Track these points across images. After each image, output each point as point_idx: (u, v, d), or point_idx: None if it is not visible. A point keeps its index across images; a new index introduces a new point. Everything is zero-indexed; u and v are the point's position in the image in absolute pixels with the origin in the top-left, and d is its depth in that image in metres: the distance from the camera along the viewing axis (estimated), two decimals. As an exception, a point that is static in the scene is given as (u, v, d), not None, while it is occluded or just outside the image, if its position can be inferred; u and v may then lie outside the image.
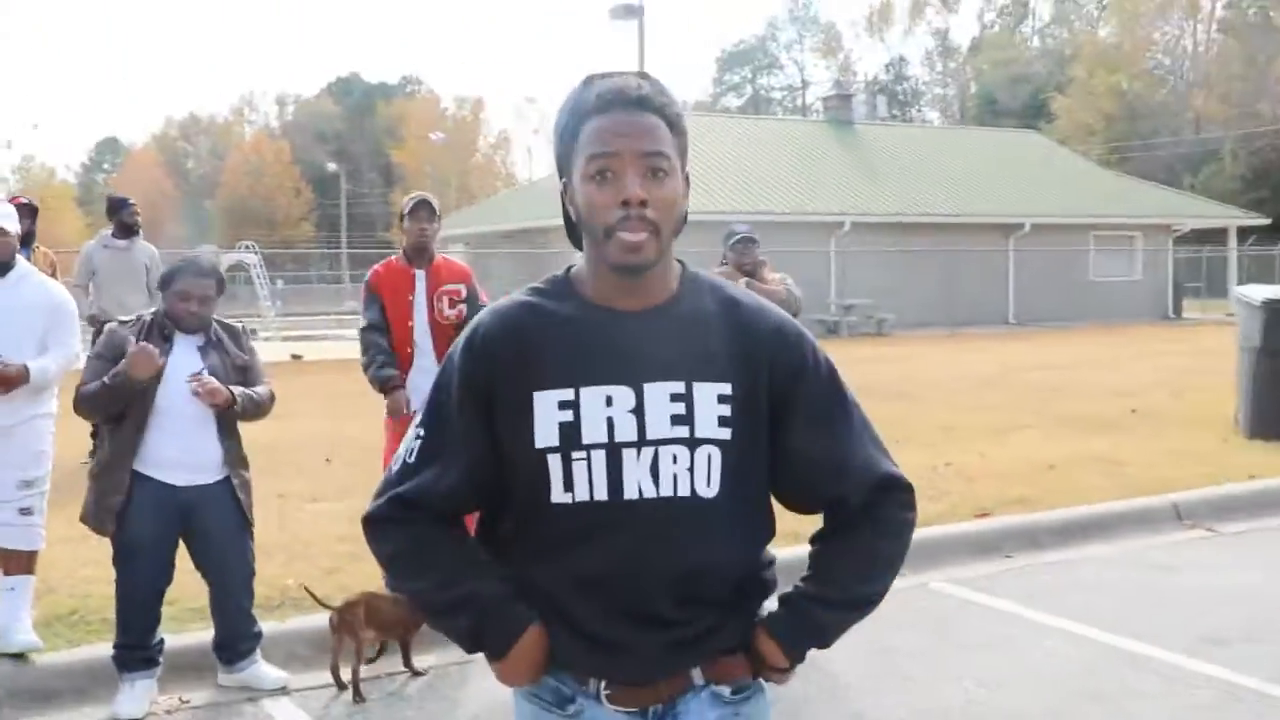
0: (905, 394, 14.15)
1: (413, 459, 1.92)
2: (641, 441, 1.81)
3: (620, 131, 1.80)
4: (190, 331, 4.69)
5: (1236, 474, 8.66)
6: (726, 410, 1.83)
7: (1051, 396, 13.73)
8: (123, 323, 4.74)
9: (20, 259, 5.15)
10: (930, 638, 5.57)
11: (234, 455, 4.75)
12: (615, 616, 1.85)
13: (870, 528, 1.93)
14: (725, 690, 1.91)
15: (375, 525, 1.93)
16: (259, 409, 4.79)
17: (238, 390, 4.67)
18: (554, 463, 1.82)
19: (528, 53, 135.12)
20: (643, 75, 1.88)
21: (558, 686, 1.92)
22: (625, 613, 1.85)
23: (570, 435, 1.81)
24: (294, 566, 6.02)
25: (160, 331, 4.67)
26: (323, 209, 75.20)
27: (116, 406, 4.56)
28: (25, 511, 5.02)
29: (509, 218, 33.94)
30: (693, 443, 1.82)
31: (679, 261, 1.94)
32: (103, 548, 6.32)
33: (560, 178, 1.89)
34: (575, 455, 1.81)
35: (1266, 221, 36.43)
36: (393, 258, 6.09)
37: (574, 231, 1.92)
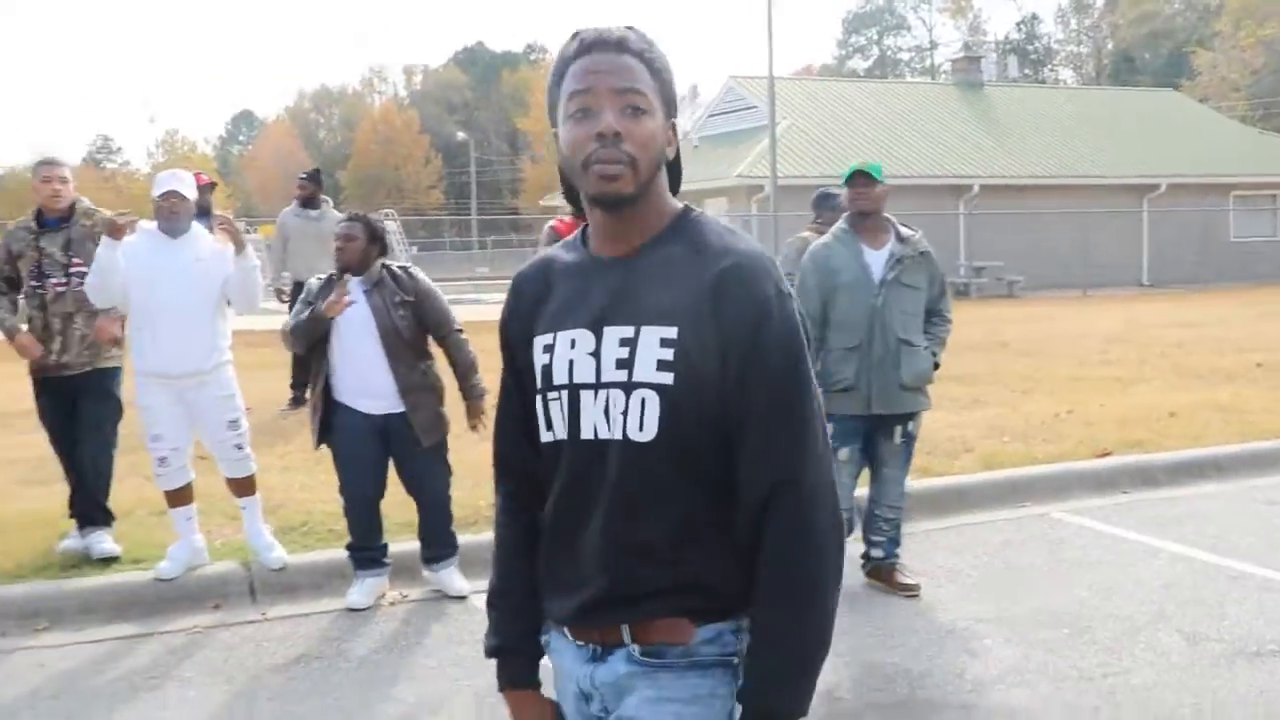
0: (1033, 350, 14.56)
1: (498, 416, 2.09)
2: (597, 384, 1.85)
3: (597, 69, 1.83)
4: (347, 270, 5.49)
5: (1354, 421, 9.01)
6: (668, 354, 1.81)
7: (1177, 352, 14.03)
8: (319, 279, 5.64)
9: (195, 224, 5.79)
10: (1048, 557, 6.19)
11: (409, 386, 5.47)
12: (568, 557, 1.91)
13: (768, 542, 1.82)
14: (636, 648, 1.88)
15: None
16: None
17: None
18: (539, 403, 1.92)
19: (649, 18, 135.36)
20: (628, 27, 1.90)
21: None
22: (574, 554, 1.90)
23: (546, 377, 1.90)
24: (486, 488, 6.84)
25: (331, 280, 5.52)
26: (451, 177, 76.84)
27: (312, 337, 5.47)
28: (238, 447, 5.84)
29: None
30: (629, 386, 1.82)
31: (687, 206, 1.95)
32: (310, 473, 7.32)
33: (553, 130, 1.92)
34: (550, 396, 1.90)
35: None
36: (568, 217, 6.84)
37: (567, 186, 1.97)
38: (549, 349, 1.91)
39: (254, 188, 76.89)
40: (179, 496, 5.82)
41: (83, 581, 5.71)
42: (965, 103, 35.40)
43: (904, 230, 5.64)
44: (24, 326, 6.09)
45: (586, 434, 1.86)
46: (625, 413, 1.83)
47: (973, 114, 34.54)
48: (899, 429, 5.63)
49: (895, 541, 5.78)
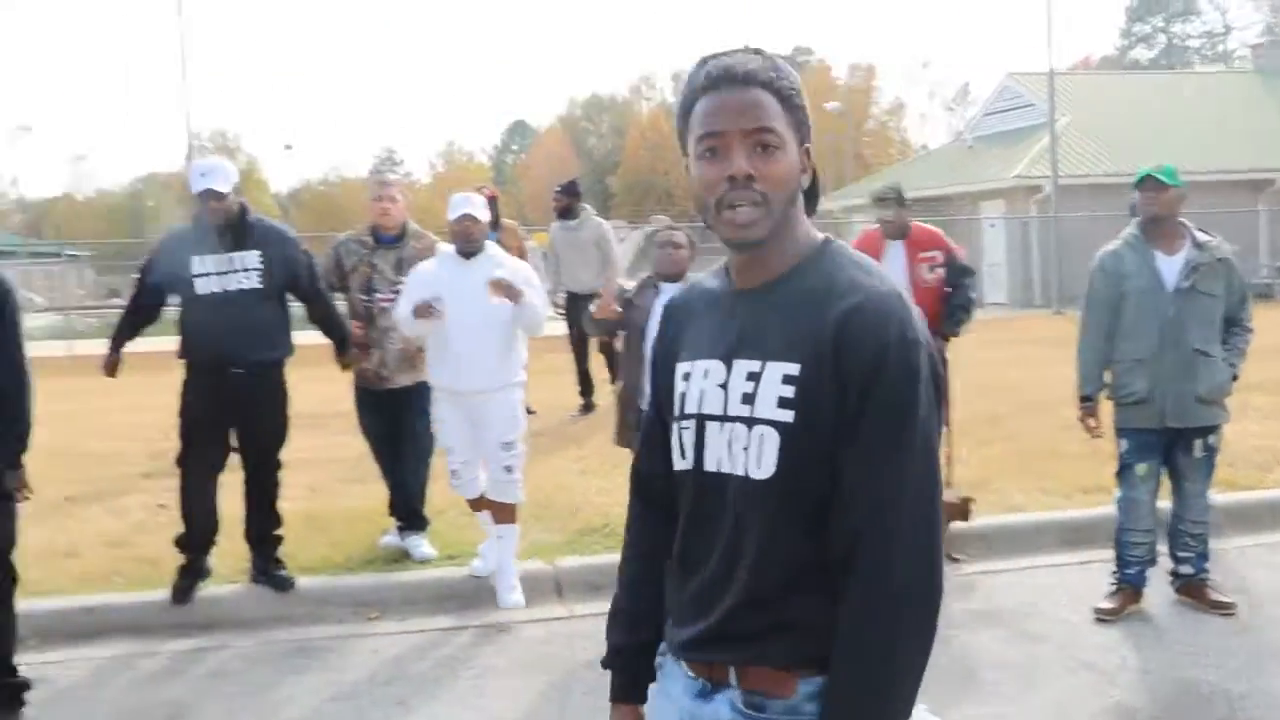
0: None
1: (641, 434, 2.15)
2: (724, 416, 1.84)
3: (726, 109, 1.80)
4: (669, 278, 5.60)
5: None
6: (789, 391, 1.77)
7: None
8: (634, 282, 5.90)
9: (488, 243, 5.96)
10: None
11: None
12: (688, 587, 1.91)
13: (846, 595, 1.75)
14: (738, 696, 1.85)
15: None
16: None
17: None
18: (674, 430, 1.93)
19: (921, 15, 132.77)
20: (755, 51, 1.85)
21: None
22: (694, 585, 1.90)
23: (681, 405, 1.91)
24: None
25: (652, 284, 5.72)
26: (719, 181, 77.35)
27: (603, 331, 5.99)
28: (508, 469, 5.87)
29: (909, 185, 34.01)
30: (750, 421, 1.80)
31: (827, 238, 1.91)
32: (608, 477, 7.65)
33: (684, 155, 1.90)
34: (683, 425, 1.90)
35: None
36: (874, 229, 6.90)
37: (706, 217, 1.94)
38: (687, 377, 1.92)
39: (528, 196, 79.61)
40: (476, 504, 6.15)
41: (405, 575, 6.19)
42: (1267, 90, 33.21)
43: (1201, 235, 5.45)
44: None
45: (710, 465, 1.86)
46: (746, 448, 1.81)
47: (1275, 102, 32.36)
48: (1199, 442, 5.45)
49: (1204, 556, 5.60)
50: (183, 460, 5.89)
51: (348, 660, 5.36)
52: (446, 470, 6.12)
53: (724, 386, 1.84)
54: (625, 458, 5.84)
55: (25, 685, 4.76)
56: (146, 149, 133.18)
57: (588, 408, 10.49)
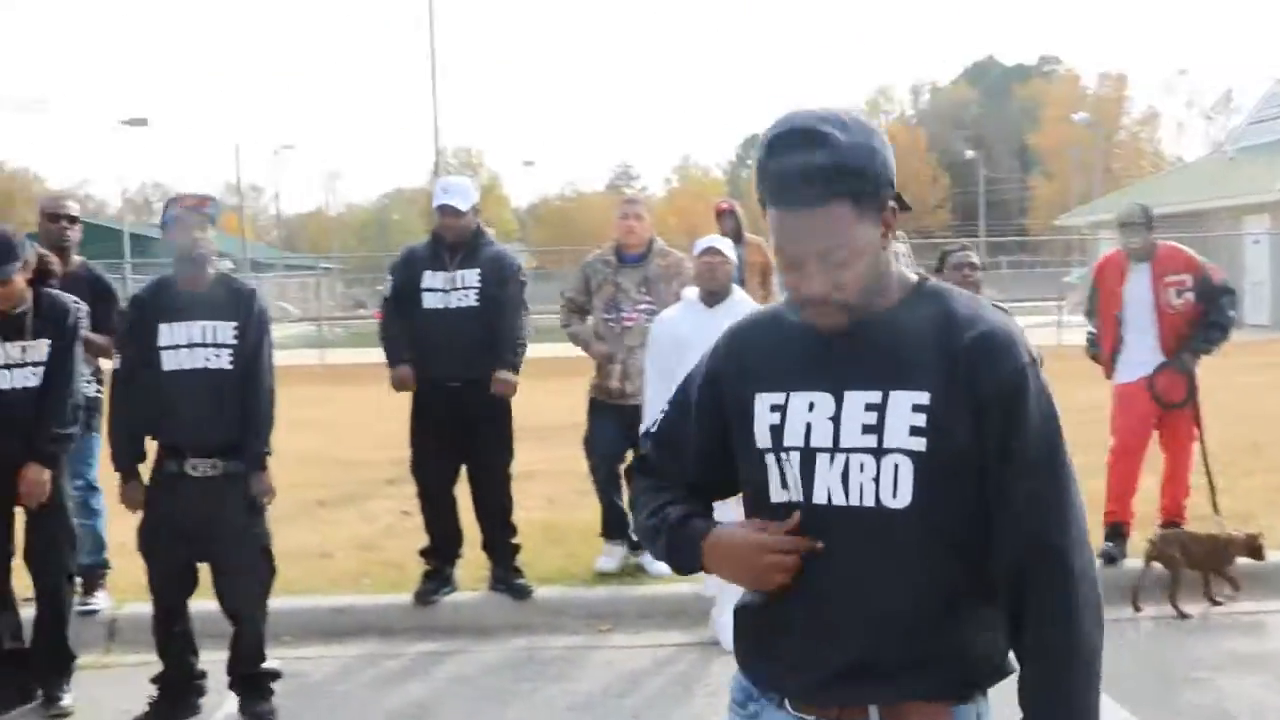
0: None
1: (654, 429, 2.10)
2: (835, 448, 1.83)
3: (794, 236, 1.79)
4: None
5: None
6: (921, 420, 1.79)
7: None
8: None
9: (736, 289, 5.63)
10: None
11: None
12: (800, 627, 1.87)
13: (1028, 607, 1.79)
14: None
15: (632, 475, 2.16)
16: None
17: None
18: (770, 462, 1.89)
19: (1178, 19, 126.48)
20: (818, 127, 1.77)
21: (742, 683, 1.98)
22: (809, 624, 1.86)
23: (777, 436, 1.88)
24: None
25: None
26: (957, 196, 75.68)
27: None
28: None
29: (1163, 200, 32.41)
30: (880, 452, 1.80)
31: (918, 274, 1.94)
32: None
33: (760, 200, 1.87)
34: (783, 457, 1.87)
35: None
36: (1119, 250, 6.58)
37: None
38: (779, 408, 1.89)
39: (760, 212, 79.52)
40: None
41: (639, 589, 6.22)
42: None
43: None
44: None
45: (819, 499, 1.84)
46: (877, 479, 1.80)
47: None
48: None
49: None
50: (416, 470, 6.10)
51: (583, 671, 5.41)
52: None
53: (834, 419, 1.84)
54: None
55: (275, 674, 4.96)
56: (396, 166, 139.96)
57: None
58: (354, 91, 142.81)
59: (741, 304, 5.41)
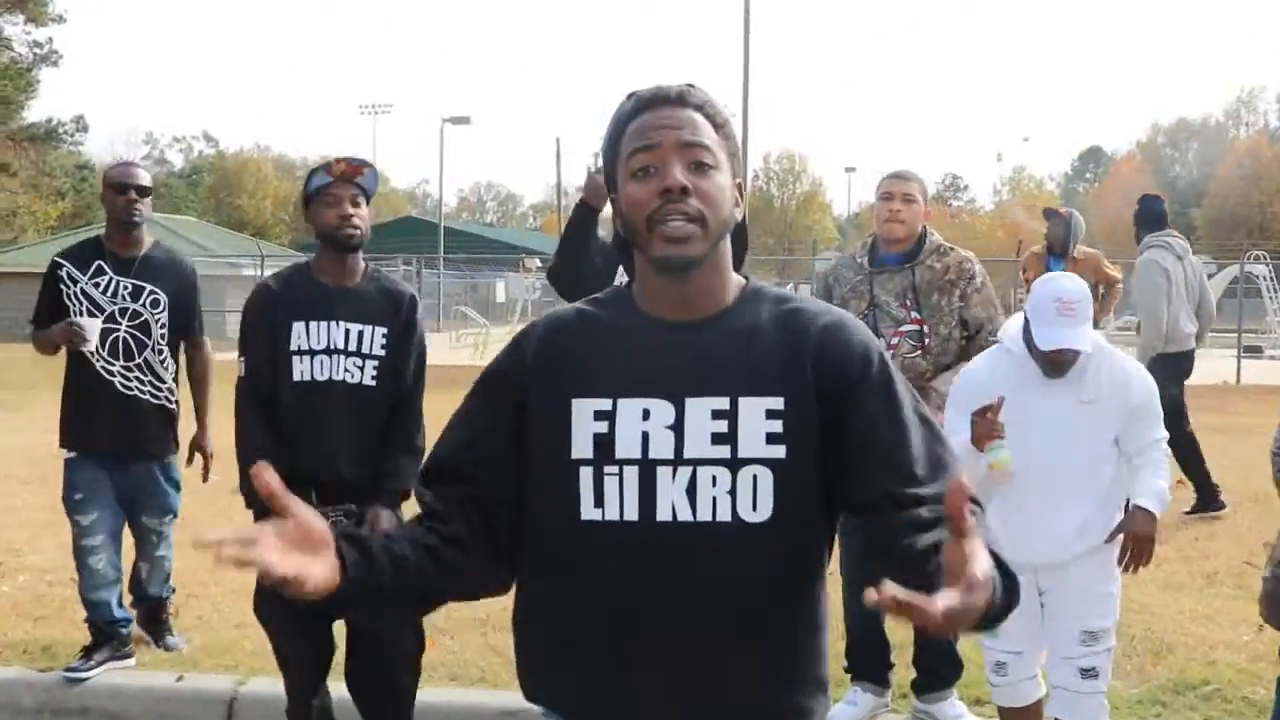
0: None
1: (448, 429, 1.89)
2: (678, 460, 1.71)
3: (660, 124, 1.75)
4: None
5: None
6: (777, 426, 1.71)
7: None
8: None
9: (1093, 346, 3.57)
10: None
11: None
12: (632, 652, 1.73)
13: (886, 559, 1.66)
14: None
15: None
16: None
17: None
18: (585, 476, 1.73)
19: None
20: (687, 84, 1.81)
21: None
22: (645, 650, 1.72)
23: (602, 448, 1.73)
24: None
25: None
26: (1325, 216, 68.42)
27: None
28: (1089, 673, 3.65)
29: None
30: (735, 463, 1.70)
31: (744, 276, 1.85)
32: (1202, 597, 5.66)
33: (611, 195, 1.83)
34: (608, 470, 1.72)
35: None
36: None
37: (624, 251, 1.86)
38: (606, 416, 1.74)
39: (1099, 227, 74.74)
40: (1022, 715, 3.86)
41: None
42: None
43: None
44: None
45: (663, 515, 1.70)
46: (733, 491, 1.70)
47: None
48: None
49: None
50: None
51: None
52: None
53: (675, 428, 1.72)
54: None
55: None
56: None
57: (1207, 506, 7.68)
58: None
59: (1097, 370, 3.60)
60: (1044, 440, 3.55)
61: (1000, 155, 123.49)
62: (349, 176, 3.75)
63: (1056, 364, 3.53)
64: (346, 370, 3.70)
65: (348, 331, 3.71)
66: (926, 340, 4.37)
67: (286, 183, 65.39)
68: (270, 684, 4.12)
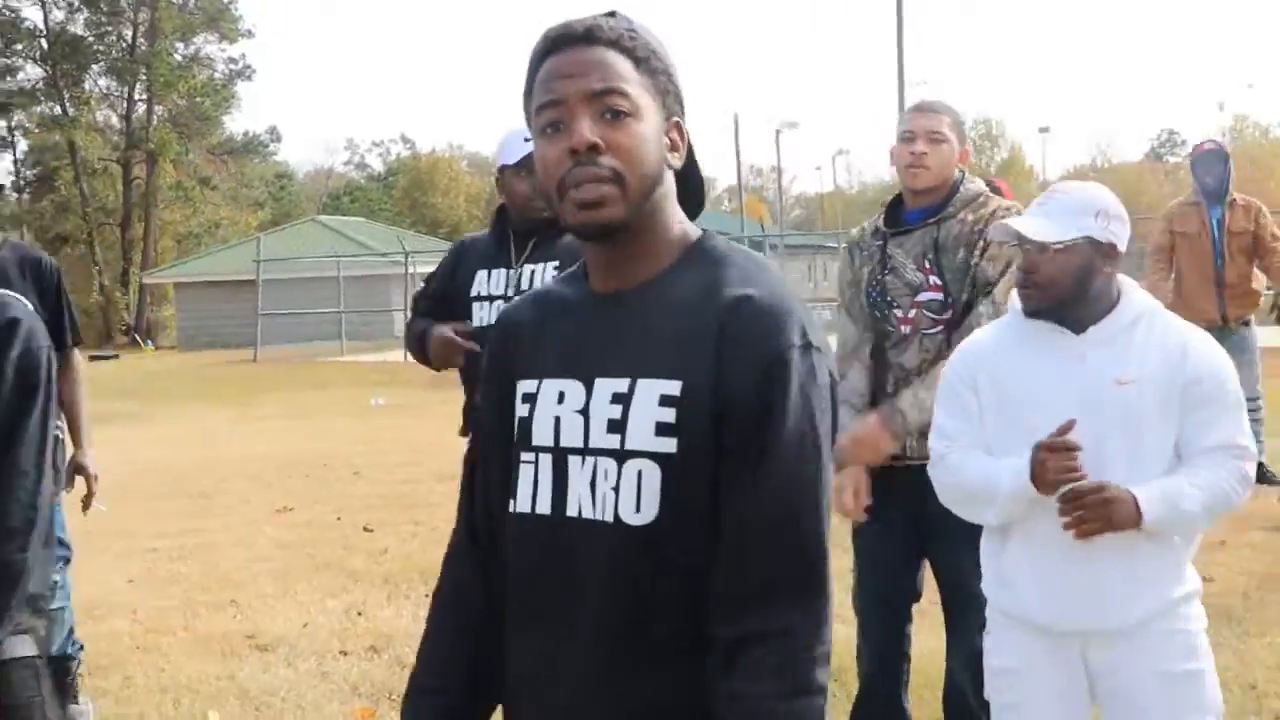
0: None
1: (473, 480, 1.75)
2: (585, 449, 1.51)
3: (563, 73, 1.49)
4: None
5: None
6: (669, 415, 1.45)
7: None
8: None
9: (1130, 293, 2.61)
10: None
11: None
12: (542, 657, 1.56)
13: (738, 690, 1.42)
14: None
15: None
16: None
17: None
18: (522, 464, 1.58)
19: None
20: (609, 13, 1.54)
21: None
22: (553, 656, 1.54)
23: (524, 434, 1.58)
24: None
25: None
26: None
27: None
28: None
29: None
30: (621, 455, 1.48)
31: (706, 231, 1.59)
32: None
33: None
34: (525, 458, 1.57)
35: None
36: None
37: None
38: (530, 399, 1.58)
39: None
40: None
41: None
42: None
43: None
44: None
45: (572, 511, 1.51)
46: (617, 488, 1.47)
47: None
48: None
49: None
50: None
51: None
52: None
53: (584, 412, 1.52)
54: None
55: None
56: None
57: None
58: (861, 69, 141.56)
59: (1129, 327, 2.53)
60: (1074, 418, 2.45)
61: (1222, 104, 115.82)
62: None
63: (1024, 296, 2.53)
64: None
65: None
66: (951, 313, 3.16)
67: (478, 180, 66.23)
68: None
